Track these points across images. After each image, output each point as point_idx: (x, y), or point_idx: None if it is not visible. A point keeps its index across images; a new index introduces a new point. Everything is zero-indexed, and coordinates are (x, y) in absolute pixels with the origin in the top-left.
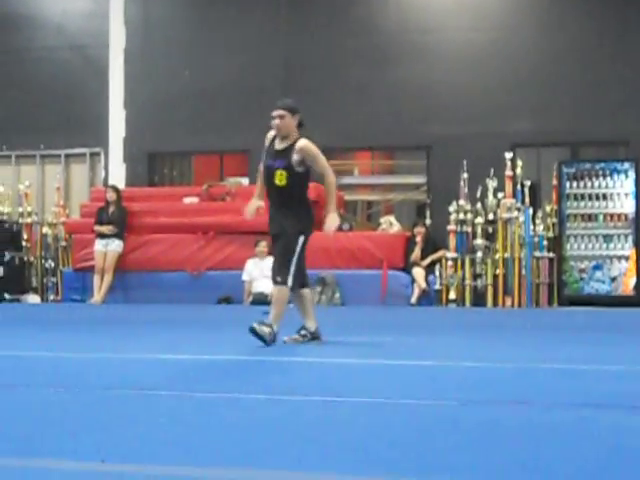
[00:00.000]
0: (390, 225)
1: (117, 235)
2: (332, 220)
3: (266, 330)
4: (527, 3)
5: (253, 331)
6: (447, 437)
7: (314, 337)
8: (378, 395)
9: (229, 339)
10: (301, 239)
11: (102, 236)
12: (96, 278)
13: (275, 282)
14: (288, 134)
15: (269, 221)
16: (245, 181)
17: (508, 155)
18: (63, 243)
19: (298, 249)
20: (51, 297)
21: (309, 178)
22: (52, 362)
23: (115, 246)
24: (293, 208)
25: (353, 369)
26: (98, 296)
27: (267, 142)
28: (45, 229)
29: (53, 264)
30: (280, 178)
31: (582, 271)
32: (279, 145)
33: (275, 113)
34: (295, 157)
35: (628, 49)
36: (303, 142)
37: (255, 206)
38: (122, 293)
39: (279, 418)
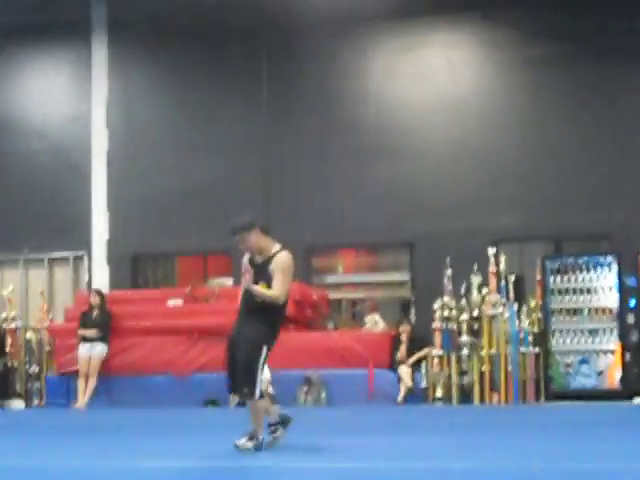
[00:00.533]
0: (375, 324)
1: (101, 339)
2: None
3: (250, 445)
4: (508, 101)
5: (237, 448)
6: None
7: (284, 421)
8: None
9: (216, 443)
10: (264, 350)
11: (86, 340)
12: (80, 382)
13: (242, 394)
14: (260, 248)
15: (235, 324)
16: (229, 281)
17: (491, 250)
18: (47, 348)
19: (262, 360)
20: (35, 402)
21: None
22: (32, 472)
23: (99, 350)
24: (264, 316)
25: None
26: (82, 400)
27: (246, 259)
28: (29, 334)
29: (37, 369)
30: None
31: (568, 366)
32: (258, 259)
33: (234, 240)
34: (271, 269)
35: (608, 147)
36: (280, 256)
37: None
38: (106, 397)
39: None
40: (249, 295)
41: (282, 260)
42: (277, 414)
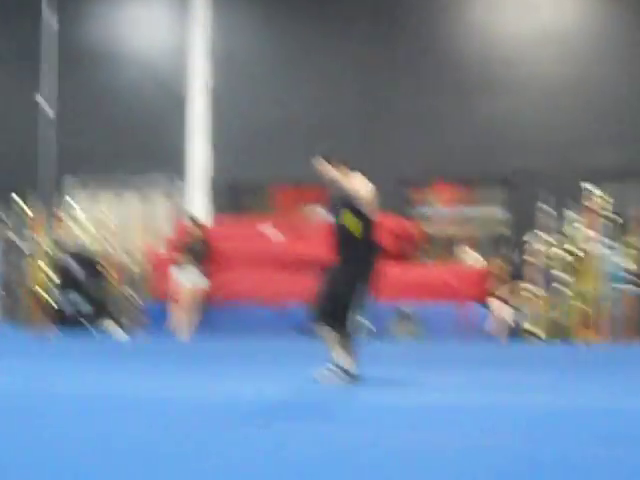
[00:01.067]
0: (470, 258)
1: (201, 270)
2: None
3: (326, 374)
4: (613, 36)
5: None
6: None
7: (351, 376)
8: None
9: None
10: (358, 287)
11: (186, 270)
12: (180, 314)
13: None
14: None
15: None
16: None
17: (590, 187)
18: (146, 275)
19: (354, 297)
20: (138, 330)
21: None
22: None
23: (200, 281)
24: (355, 256)
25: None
26: (185, 332)
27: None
28: (126, 258)
29: (135, 297)
30: (353, 227)
31: None
32: (337, 192)
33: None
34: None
35: None
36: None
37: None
38: (207, 326)
39: (355, 452)
40: (341, 236)
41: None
42: (354, 366)
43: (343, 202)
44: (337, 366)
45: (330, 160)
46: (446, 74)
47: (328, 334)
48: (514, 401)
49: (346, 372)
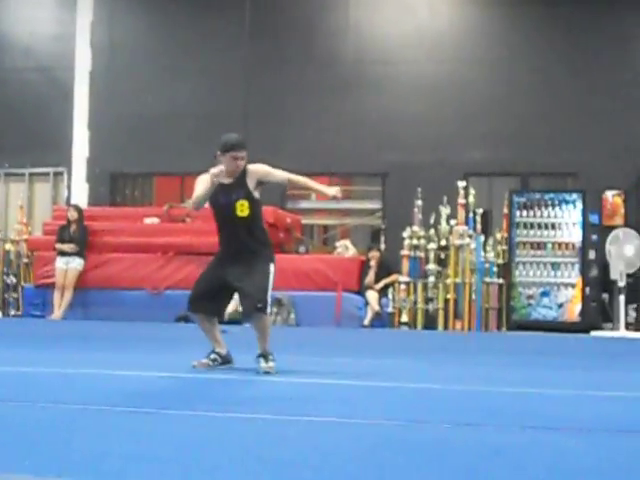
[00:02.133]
0: (346, 249)
1: (78, 253)
2: (328, 188)
3: (272, 364)
4: (482, 40)
5: (268, 373)
6: (395, 456)
7: (225, 361)
8: (328, 414)
9: (186, 356)
10: (272, 267)
11: (63, 254)
12: (56, 294)
13: (257, 310)
14: (239, 170)
15: (231, 259)
16: (205, 203)
17: (461, 184)
18: (25, 260)
19: (271, 277)
20: (12, 312)
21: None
22: (8, 376)
23: (76, 264)
24: (259, 237)
25: (303, 388)
26: (58, 312)
27: (206, 184)
28: (8, 246)
29: (15, 280)
30: (242, 209)
31: (530, 297)
32: (226, 181)
33: (239, 154)
34: (250, 183)
35: (576, 88)
36: (250, 166)
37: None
38: (81, 310)
39: (228, 435)
40: (242, 222)
41: (258, 166)
42: (226, 350)
43: (233, 190)
44: (214, 352)
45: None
46: (324, 72)
47: (200, 321)
48: (379, 385)
49: (221, 357)
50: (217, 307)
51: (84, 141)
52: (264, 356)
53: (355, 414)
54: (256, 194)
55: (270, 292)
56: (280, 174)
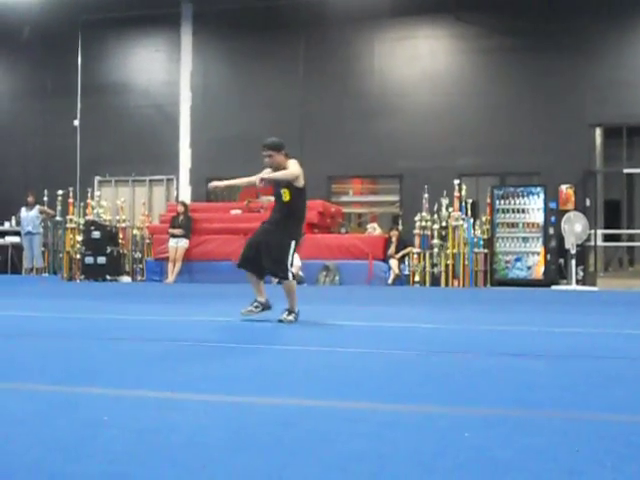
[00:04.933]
0: (374, 229)
1: (184, 235)
2: (274, 174)
3: (291, 318)
4: (470, 77)
5: (282, 322)
6: (412, 375)
7: (265, 307)
8: (363, 346)
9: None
10: (293, 243)
11: (174, 236)
12: (169, 265)
13: (279, 279)
14: (279, 166)
15: (268, 223)
16: (273, 198)
17: (456, 182)
18: (147, 241)
19: (291, 251)
20: (138, 278)
21: (305, 193)
22: (138, 323)
23: (183, 243)
24: (291, 218)
25: (345, 329)
26: (171, 278)
27: (264, 173)
28: (135, 231)
29: (140, 255)
30: (285, 196)
31: (507, 262)
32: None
33: (264, 153)
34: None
35: (540, 111)
36: (289, 162)
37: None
38: (187, 276)
39: (289, 364)
40: (285, 205)
41: (289, 163)
42: (265, 298)
43: (278, 182)
44: (256, 300)
45: (286, 154)
46: (357, 103)
47: (246, 275)
48: (399, 326)
49: (262, 304)
50: (257, 268)
51: (187, 156)
52: (288, 310)
53: (381, 346)
54: (297, 184)
55: (289, 261)
56: (289, 171)
